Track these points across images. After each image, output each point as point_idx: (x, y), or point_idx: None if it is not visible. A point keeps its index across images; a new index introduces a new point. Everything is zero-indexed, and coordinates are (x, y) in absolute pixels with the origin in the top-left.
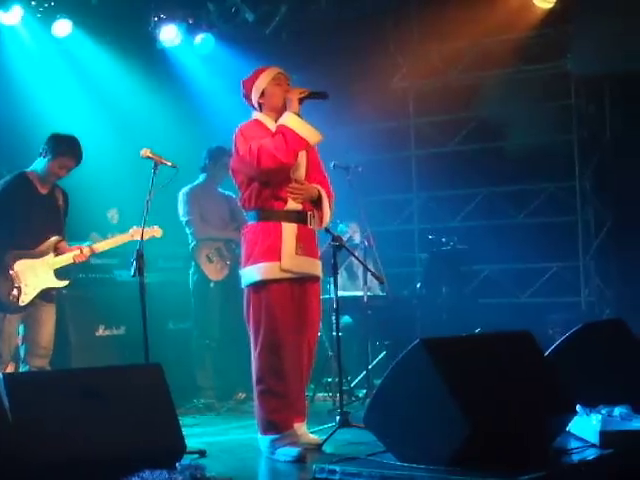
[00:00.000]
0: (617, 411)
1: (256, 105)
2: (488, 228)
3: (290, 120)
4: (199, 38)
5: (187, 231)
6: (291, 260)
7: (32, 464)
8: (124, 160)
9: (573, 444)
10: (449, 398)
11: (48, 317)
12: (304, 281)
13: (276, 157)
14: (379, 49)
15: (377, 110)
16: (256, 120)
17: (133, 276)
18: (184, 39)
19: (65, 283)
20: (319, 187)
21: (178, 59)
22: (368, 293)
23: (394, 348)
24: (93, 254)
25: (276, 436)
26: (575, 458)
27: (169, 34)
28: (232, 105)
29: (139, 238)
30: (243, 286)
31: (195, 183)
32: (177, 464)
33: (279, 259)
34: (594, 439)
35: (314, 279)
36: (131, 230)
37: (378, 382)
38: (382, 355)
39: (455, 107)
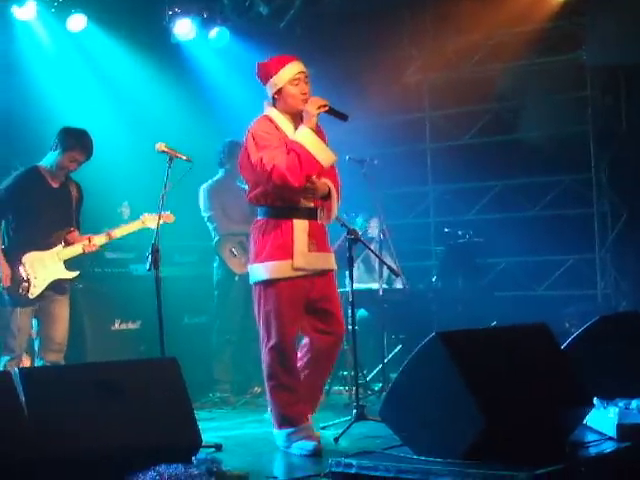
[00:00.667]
0: (634, 404)
1: (270, 98)
2: (504, 221)
3: (306, 138)
4: (214, 32)
5: (210, 226)
6: (304, 258)
7: (48, 458)
8: (138, 154)
9: (590, 437)
10: (465, 391)
11: (61, 311)
12: (318, 277)
13: (287, 178)
14: (393, 42)
15: (391, 103)
16: (268, 117)
17: (149, 270)
18: (198, 33)
19: (75, 274)
20: (329, 182)
21: (192, 53)
22: (384, 286)
23: (410, 341)
24: (105, 244)
25: (291, 429)
26: (592, 451)
27: (183, 28)
28: (247, 99)
29: (150, 225)
30: (252, 282)
31: (215, 178)
32: (193, 458)
33: (291, 257)
34: (611, 432)
35: (328, 272)
36: (142, 217)
37: (394, 376)
38: (398, 348)
39: (470, 100)
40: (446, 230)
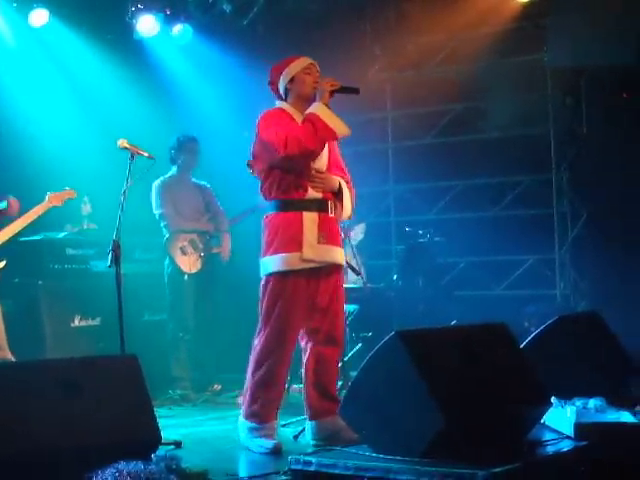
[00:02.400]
0: (592, 403)
1: (282, 91)
2: (464, 220)
3: (320, 110)
4: (177, 29)
5: (161, 224)
6: (313, 250)
7: (4, 457)
8: (100, 151)
9: (548, 436)
10: (424, 390)
11: None
12: (327, 270)
13: (302, 143)
14: (356, 41)
15: (354, 102)
16: (280, 109)
17: (109, 267)
18: (161, 29)
19: (1, 265)
20: (340, 179)
21: (155, 50)
22: (345, 285)
23: (370, 340)
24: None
25: (256, 425)
26: (550, 450)
27: (146, 24)
28: (209, 96)
29: (56, 203)
30: (262, 275)
31: (167, 175)
32: (153, 455)
33: (300, 249)
34: (569, 431)
35: (336, 267)
36: (47, 196)
37: (354, 374)
38: (358, 347)
39: (432, 100)
40: (407, 229)
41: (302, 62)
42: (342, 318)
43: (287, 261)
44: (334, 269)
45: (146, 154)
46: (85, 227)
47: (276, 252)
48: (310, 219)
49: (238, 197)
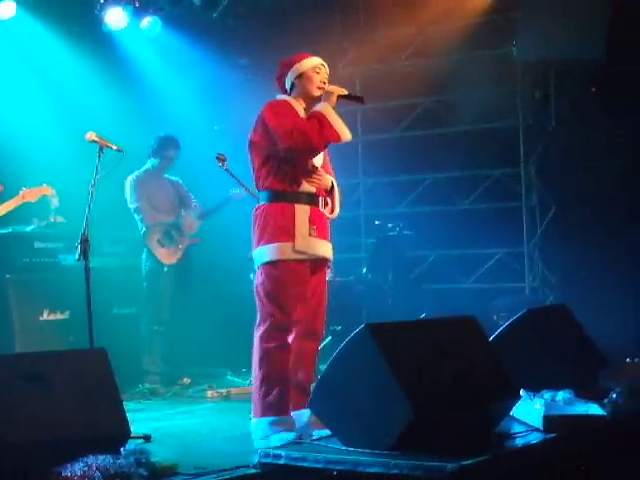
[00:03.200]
0: (560, 396)
1: (288, 86)
2: (434, 214)
3: (327, 110)
4: (146, 21)
5: (136, 218)
6: (304, 241)
7: None
8: (68, 143)
9: (517, 428)
10: (393, 383)
11: None
12: (315, 264)
13: (309, 138)
14: (325, 34)
15: None
16: (285, 100)
17: (78, 260)
18: (130, 22)
19: None
20: (332, 179)
21: (124, 42)
22: None
23: (339, 333)
24: None
25: (275, 418)
26: (519, 442)
27: (115, 17)
28: (178, 89)
29: (30, 199)
30: (256, 265)
31: (142, 169)
32: (122, 449)
33: (293, 240)
34: (537, 423)
35: (325, 262)
36: (21, 191)
37: (324, 367)
38: (327, 340)
39: (401, 93)
40: (376, 222)
41: (313, 61)
42: (324, 312)
43: (280, 250)
44: (322, 263)
45: (115, 147)
46: (53, 220)
47: (269, 242)
48: (302, 211)
49: (209, 190)
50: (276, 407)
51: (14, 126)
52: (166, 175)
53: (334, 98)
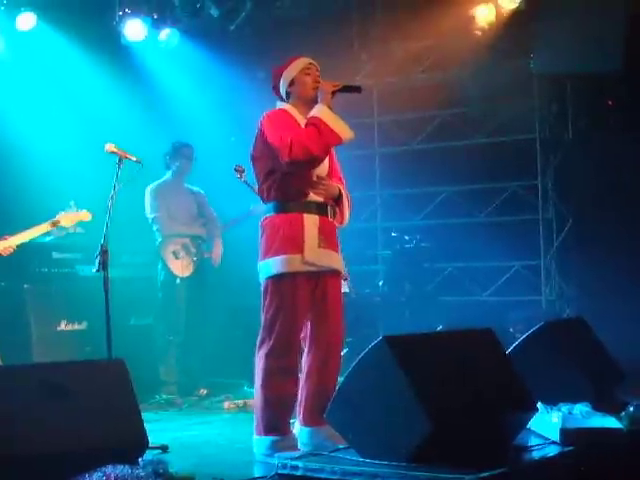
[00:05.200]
0: (577, 409)
1: (284, 94)
2: (450, 226)
3: (323, 113)
4: (164, 33)
5: (153, 228)
6: (314, 253)
7: None
8: (88, 155)
9: (534, 441)
10: (411, 395)
11: None
12: (325, 275)
13: (308, 149)
14: (343, 47)
15: (341, 107)
16: (283, 110)
17: (97, 271)
18: (149, 34)
19: None
20: (340, 186)
21: (143, 54)
22: None
23: (356, 345)
24: (22, 244)
25: (277, 438)
26: (536, 455)
27: (134, 29)
28: (196, 100)
29: (65, 224)
30: (261, 279)
31: (161, 180)
32: (140, 459)
33: (301, 251)
34: (554, 436)
35: (335, 273)
36: (58, 216)
37: (341, 379)
38: (344, 352)
39: (418, 106)
40: (393, 234)
41: (300, 63)
42: (342, 325)
43: (288, 263)
44: (333, 275)
45: (134, 158)
46: (72, 231)
47: (277, 254)
48: (311, 221)
49: (229, 202)
50: (278, 427)
51: (34, 138)
52: (187, 185)
53: (329, 97)
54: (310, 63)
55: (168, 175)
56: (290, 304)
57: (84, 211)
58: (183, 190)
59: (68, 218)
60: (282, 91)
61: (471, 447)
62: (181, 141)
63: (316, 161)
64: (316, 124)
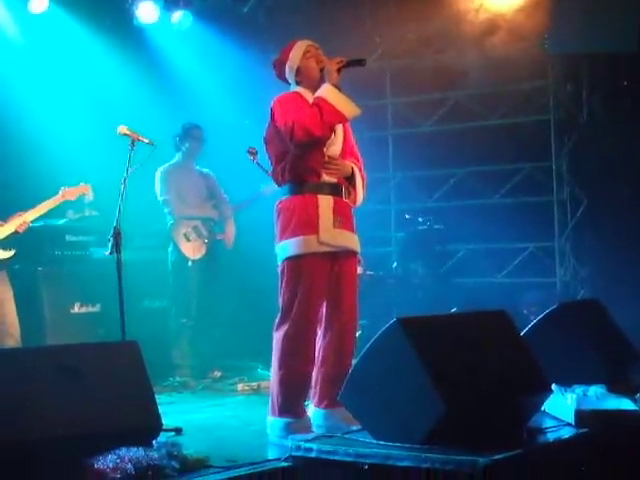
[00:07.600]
0: (592, 391)
1: (293, 84)
2: (464, 208)
3: (327, 92)
4: (177, 15)
5: (165, 210)
6: (329, 233)
7: (6, 442)
8: (100, 137)
9: (548, 423)
10: (425, 377)
11: (3, 295)
12: (341, 256)
13: (309, 130)
14: (356, 28)
15: (353, 89)
16: (296, 92)
17: (110, 253)
18: (161, 16)
19: (11, 254)
20: (353, 165)
21: (155, 36)
22: None
23: (370, 327)
24: (35, 219)
25: (292, 420)
26: (550, 437)
27: (146, 11)
28: (209, 83)
29: (70, 198)
30: (279, 261)
31: (171, 162)
32: (154, 442)
33: (316, 232)
34: (569, 418)
35: (351, 254)
36: (61, 191)
37: (354, 361)
38: (358, 334)
39: (432, 87)
40: (407, 217)
41: (300, 48)
42: (357, 307)
43: (305, 244)
44: (350, 255)
45: (146, 140)
46: (87, 214)
47: (293, 235)
48: (325, 202)
49: (240, 184)
50: (293, 409)
51: (47, 121)
52: (197, 167)
53: (334, 75)
54: (308, 45)
55: (178, 157)
56: (308, 285)
57: (83, 184)
58: (193, 172)
59: (71, 192)
60: (291, 81)
61: (485, 429)
62: (191, 122)
63: (319, 141)
64: (318, 104)
